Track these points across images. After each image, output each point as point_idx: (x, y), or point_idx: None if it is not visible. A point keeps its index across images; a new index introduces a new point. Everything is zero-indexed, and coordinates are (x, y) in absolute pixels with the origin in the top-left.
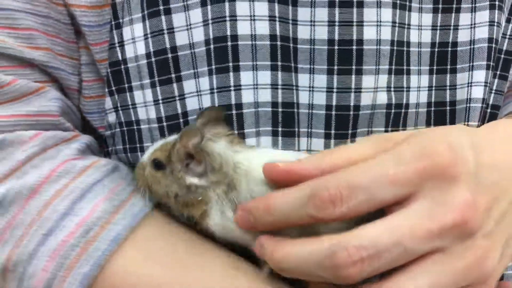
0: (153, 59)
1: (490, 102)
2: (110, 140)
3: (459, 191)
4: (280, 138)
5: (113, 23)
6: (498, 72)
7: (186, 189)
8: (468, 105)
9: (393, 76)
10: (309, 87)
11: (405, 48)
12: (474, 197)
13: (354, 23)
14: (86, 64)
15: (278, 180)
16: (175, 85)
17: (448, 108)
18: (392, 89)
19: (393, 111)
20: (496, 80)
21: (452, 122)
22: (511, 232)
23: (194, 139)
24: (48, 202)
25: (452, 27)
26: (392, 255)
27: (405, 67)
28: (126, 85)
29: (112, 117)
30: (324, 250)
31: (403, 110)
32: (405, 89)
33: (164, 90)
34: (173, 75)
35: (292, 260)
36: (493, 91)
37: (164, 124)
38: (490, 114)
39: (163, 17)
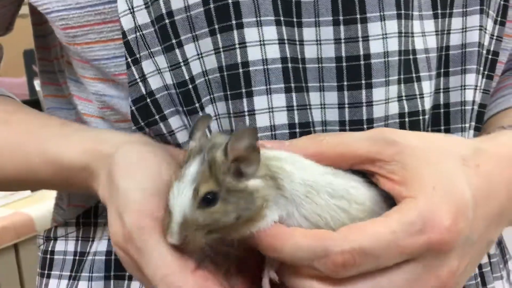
0: (178, 90)
1: (478, 101)
2: None
3: (449, 261)
4: None
5: (129, 59)
6: (485, 72)
7: (251, 197)
8: (463, 107)
9: (403, 85)
10: (321, 104)
11: (411, 56)
12: (459, 263)
13: (360, 39)
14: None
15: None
16: (200, 114)
17: (442, 110)
18: (404, 98)
19: (407, 119)
20: (484, 80)
21: (447, 124)
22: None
23: (246, 140)
24: None
25: (446, 32)
26: None
27: (414, 75)
28: (157, 116)
29: None
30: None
31: (420, 117)
32: (418, 96)
33: (192, 118)
34: (196, 105)
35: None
36: (481, 91)
37: None
38: (478, 112)
39: (177, 50)
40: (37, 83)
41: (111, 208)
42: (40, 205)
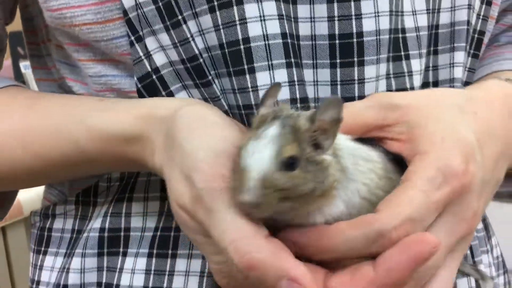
0: (188, 65)
1: (464, 80)
2: None
3: (471, 202)
4: None
5: (132, 38)
6: (471, 51)
7: (326, 172)
8: (452, 85)
9: (391, 63)
10: (314, 81)
11: (400, 35)
12: (478, 204)
13: (353, 17)
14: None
15: None
16: (214, 86)
17: (431, 88)
18: (392, 75)
19: None
20: (470, 59)
21: None
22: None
23: (334, 112)
24: None
25: (436, 10)
26: (419, 274)
27: (403, 53)
28: (164, 93)
29: None
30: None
31: None
32: (406, 74)
33: (206, 91)
34: (210, 78)
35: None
36: (466, 69)
37: None
38: None
39: (184, 26)
40: (23, 65)
41: (173, 171)
42: (28, 189)
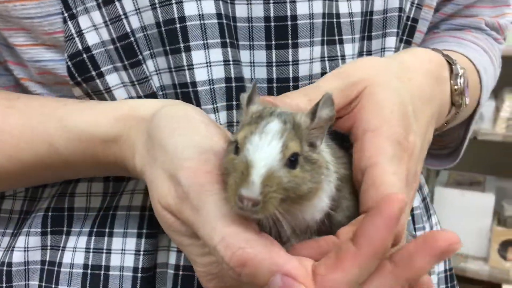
0: (118, 44)
1: None
2: None
3: (414, 168)
4: (234, 112)
5: (66, 14)
6: (404, 37)
7: (319, 170)
8: None
9: (325, 46)
10: (250, 62)
11: (335, 20)
12: (417, 167)
13: (288, 0)
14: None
15: None
16: (144, 66)
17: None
18: (326, 58)
19: None
20: (402, 45)
21: None
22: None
23: (330, 109)
24: None
25: None
26: None
27: (337, 37)
28: (94, 73)
29: None
30: None
31: None
32: (340, 58)
33: (135, 71)
34: (140, 57)
35: None
36: None
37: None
38: None
39: (117, 3)
40: None
41: (155, 171)
42: None
